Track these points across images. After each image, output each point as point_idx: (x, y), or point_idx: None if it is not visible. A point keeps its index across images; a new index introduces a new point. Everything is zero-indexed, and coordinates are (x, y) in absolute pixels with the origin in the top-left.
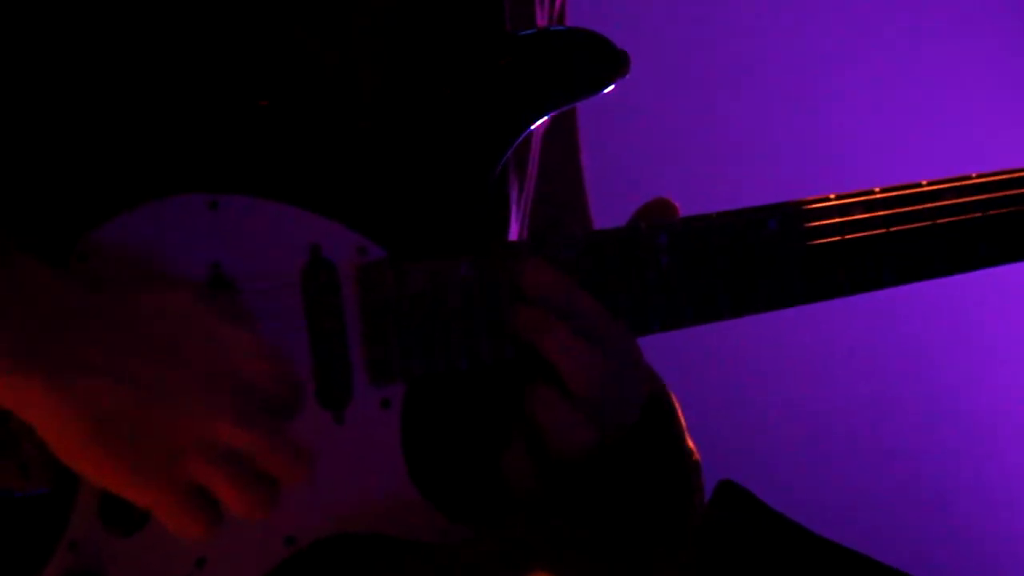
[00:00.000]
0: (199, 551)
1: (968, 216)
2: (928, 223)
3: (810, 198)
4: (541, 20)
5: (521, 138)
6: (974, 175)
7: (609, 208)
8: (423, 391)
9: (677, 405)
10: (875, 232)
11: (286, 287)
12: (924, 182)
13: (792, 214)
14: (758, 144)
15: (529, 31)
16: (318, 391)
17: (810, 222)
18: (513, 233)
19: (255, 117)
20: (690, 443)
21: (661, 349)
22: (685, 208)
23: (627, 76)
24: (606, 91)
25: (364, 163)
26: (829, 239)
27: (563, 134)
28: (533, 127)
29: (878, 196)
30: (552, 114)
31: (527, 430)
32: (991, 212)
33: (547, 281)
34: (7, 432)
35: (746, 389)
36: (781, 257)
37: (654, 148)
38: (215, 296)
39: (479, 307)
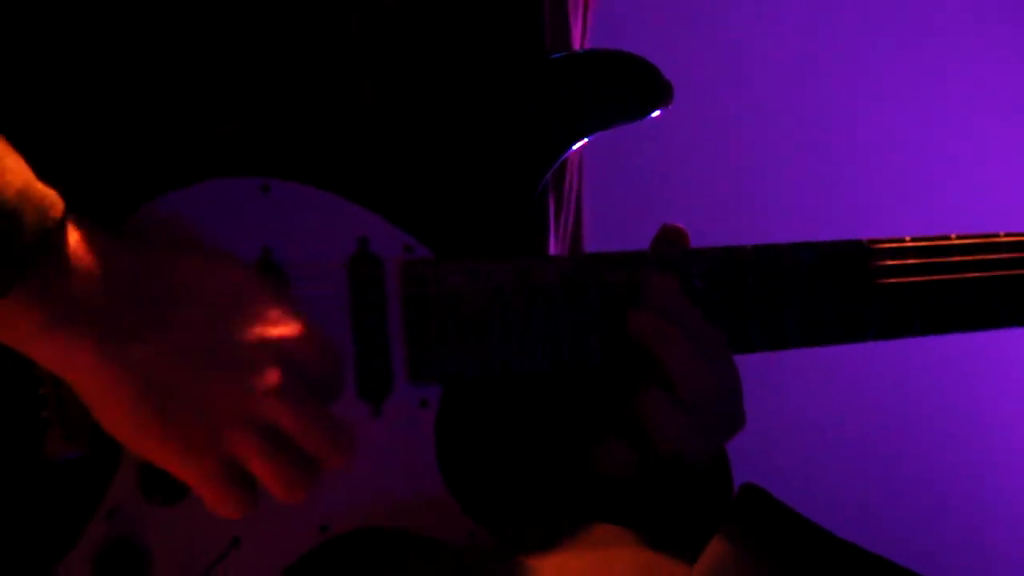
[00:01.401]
0: (235, 530)
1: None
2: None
3: (866, 239)
4: (575, 25)
5: (563, 157)
6: None
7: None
8: (460, 394)
9: None
10: (935, 278)
11: (332, 277)
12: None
13: (830, 252)
14: (759, 161)
15: (574, 52)
16: (358, 383)
17: (850, 262)
18: (552, 251)
19: (311, 106)
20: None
21: None
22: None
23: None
24: (649, 118)
25: (413, 164)
26: (870, 280)
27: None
28: (575, 147)
29: (954, 242)
30: (593, 136)
31: (631, 430)
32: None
33: (672, 293)
34: (55, 397)
35: (750, 394)
36: (812, 293)
37: (656, 166)
38: (265, 275)
39: (553, 312)
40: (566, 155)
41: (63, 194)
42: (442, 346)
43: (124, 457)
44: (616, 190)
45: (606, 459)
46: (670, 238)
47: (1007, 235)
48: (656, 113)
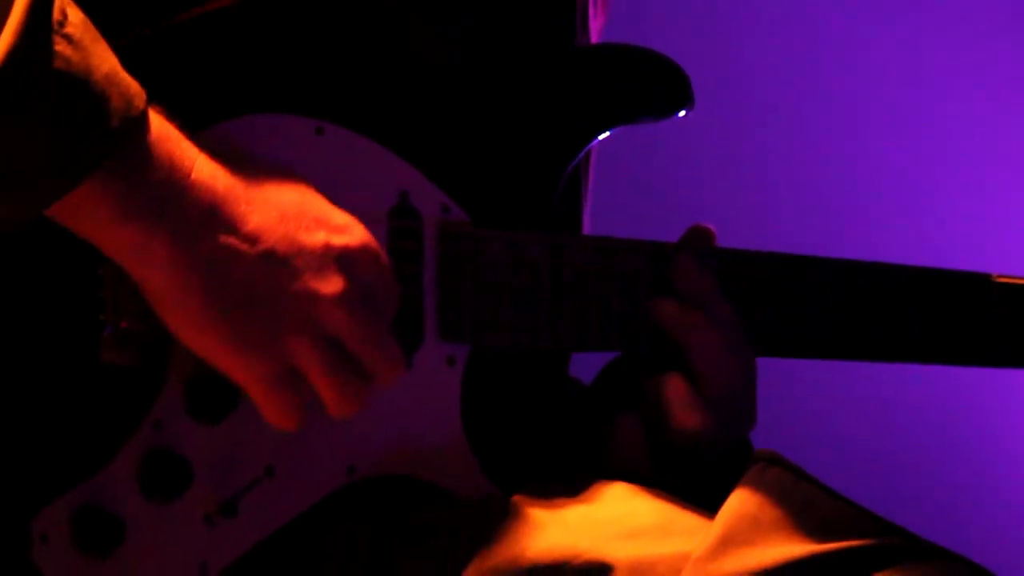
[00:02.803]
0: (271, 458)
1: None
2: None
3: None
4: (594, 20)
5: (589, 146)
6: None
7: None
8: (488, 359)
9: None
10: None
11: (373, 223)
12: None
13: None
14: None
15: (620, 44)
16: (393, 329)
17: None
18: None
19: (368, 58)
20: None
21: None
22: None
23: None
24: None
25: (455, 130)
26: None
27: None
28: (601, 137)
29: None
30: (616, 129)
31: (650, 413)
32: None
33: (702, 282)
34: (115, 301)
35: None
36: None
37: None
38: None
39: (581, 293)
40: (592, 144)
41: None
42: (470, 308)
43: (172, 372)
44: (619, 188)
45: (618, 439)
46: (699, 238)
47: None
48: (682, 114)
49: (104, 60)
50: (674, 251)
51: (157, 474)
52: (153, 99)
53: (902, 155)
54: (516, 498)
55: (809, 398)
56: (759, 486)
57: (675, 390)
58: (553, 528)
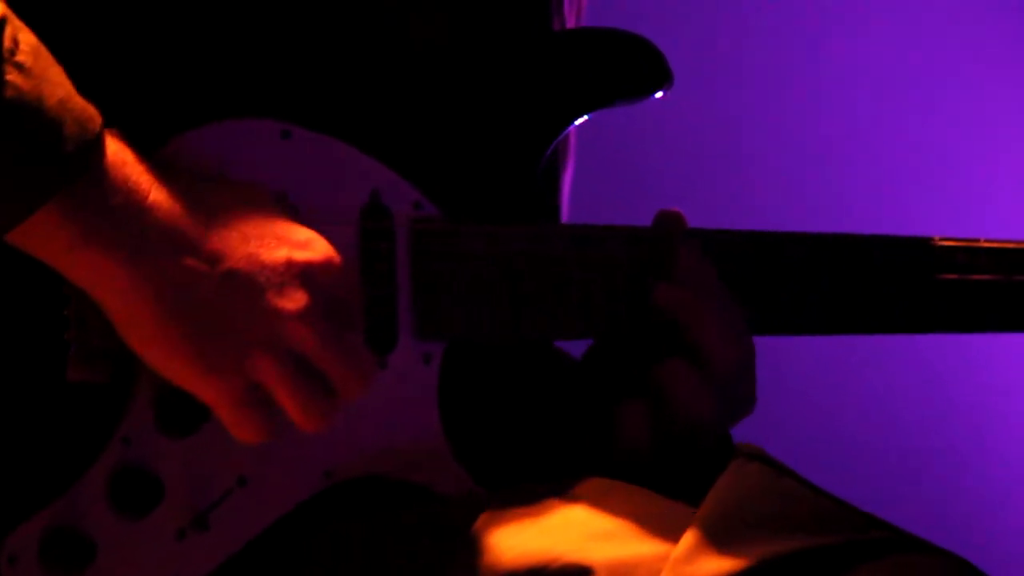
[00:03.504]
0: (243, 468)
1: None
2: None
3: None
4: (570, 18)
5: (566, 131)
6: None
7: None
8: (465, 354)
9: None
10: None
11: (344, 226)
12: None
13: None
14: (754, 146)
15: (594, 27)
16: (366, 333)
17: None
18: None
19: (334, 57)
20: None
21: None
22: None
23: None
24: (644, 101)
25: (425, 123)
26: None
27: None
28: (577, 122)
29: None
30: (593, 113)
31: (655, 399)
32: None
33: (703, 269)
34: (79, 320)
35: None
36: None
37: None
38: (288, 208)
39: (563, 282)
40: (569, 129)
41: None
42: (447, 305)
43: (140, 387)
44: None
45: (621, 427)
46: (667, 223)
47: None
48: (659, 95)
49: (57, 85)
50: (654, 235)
51: (127, 491)
52: (116, 110)
53: (884, 134)
54: (495, 499)
55: (794, 393)
56: (739, 482)
57: (679, 375)
58: (531, 531)
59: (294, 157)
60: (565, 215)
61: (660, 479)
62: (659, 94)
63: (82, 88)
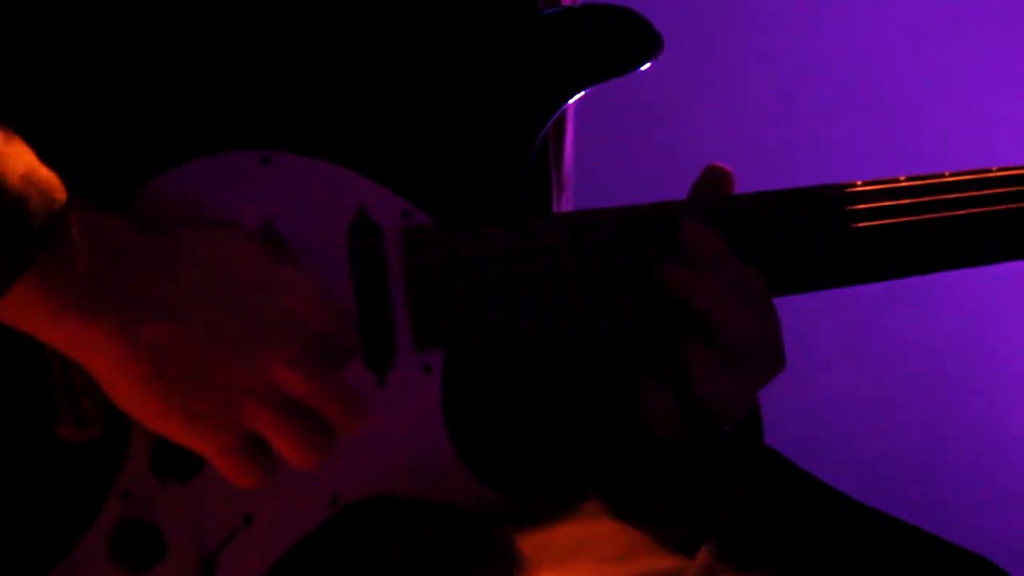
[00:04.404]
0: (247, 506)
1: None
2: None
3: (853, 182)
4: None
5: (556, 114)
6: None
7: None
8: (464, 357)
9: None
10: (921, 217)
11: (333, 245)
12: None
13: (831, 198)
14: (756, 135)
15: (562, 7)
16: (363, 352)
17: (850, 205)
18: (553, 207)
19: (305, 77)
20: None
21: None
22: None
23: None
24: (641, 70)
25: (408, 130)
26: (871, 223)
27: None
28: (569, 102)
29: (943, 181)
30: (588, 90)
31: (677, 381)
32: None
33: (708, 241)
34: (65, 383)
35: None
36: (814, 239)
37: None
38: (270, 244)
39: (561, 273)
40: (560, 110)
41: (65, 177)
42: (443, 312)
43: (135, 439)
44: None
45: (648, 410)
46: (715, 181)
47: (999, 169)
48: (646, 66)
49: (19, 160)
50: (653, 213)
51: (130, 547)
52: (91, 155)
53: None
54: (508, 528)
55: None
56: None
57: (699, 358)
58: (546, 562)
59: (276, 183)
60: (570, 186)
61: (689, 459)
62: (646, 65)
63: (51, 142)
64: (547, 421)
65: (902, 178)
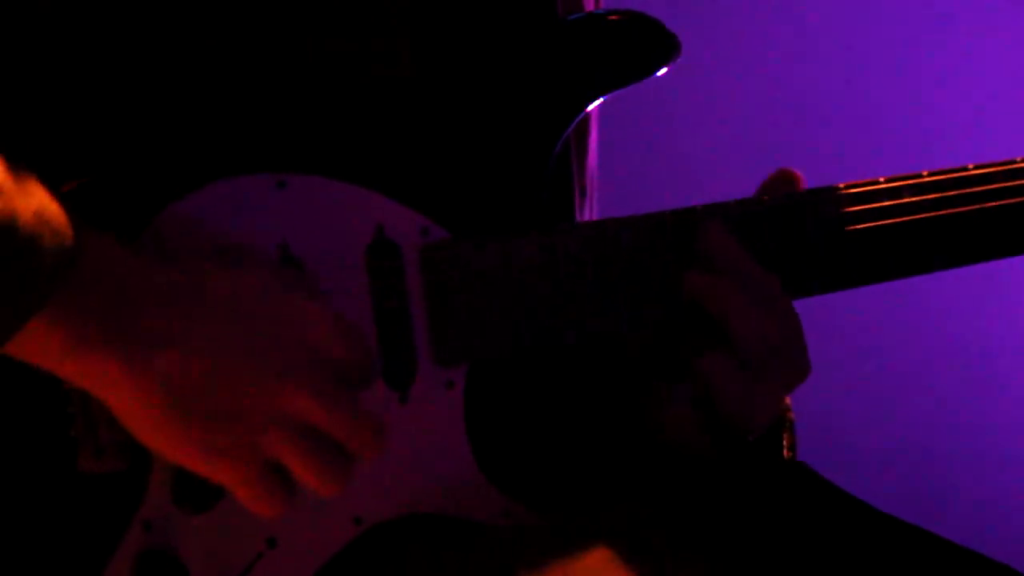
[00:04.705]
0: (270, 530)
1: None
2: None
3: (856, 182)
4: (589, 3)
5: (576, 120)
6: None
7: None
8: (486, 370)
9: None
10: (921, 216)
11: (351, 266)
12: (971, 166)
13: (831, 199)
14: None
15: (582, 15)
16: (384, 370)
17: (851, 206)
18: (575, 214)
19: (318, 96)
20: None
21: None
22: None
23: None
24: (659, 73)
25: (424, 144)
26: (872, 224)
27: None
28: (589, 109)
29: (926, 180)
30: (607, 97)
31: (697, 393)
32: None
33: (728, 247)
34: (84, 416)
35: None
36: (826, 241)
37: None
38: (286, 270)
39: (581, 283)
40: (579, 117)
41: (78, 206)
42: (465, 327)
43: (156, 468)
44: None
45: (672, 426)
46: (785, 181)
47: (976, 167)
48: (663, 71)
49: (31, 198)
50: (674, 220)
51: None
52: (107, 177)
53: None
54: (533, 528)
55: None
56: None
57: (722, 370)
58: None
59: (292, 206)
60: (595, 191)
61: (712, 466)
62: (663, 70)
63: (64, 171)
64: (570, 431)
65: (882, 179)
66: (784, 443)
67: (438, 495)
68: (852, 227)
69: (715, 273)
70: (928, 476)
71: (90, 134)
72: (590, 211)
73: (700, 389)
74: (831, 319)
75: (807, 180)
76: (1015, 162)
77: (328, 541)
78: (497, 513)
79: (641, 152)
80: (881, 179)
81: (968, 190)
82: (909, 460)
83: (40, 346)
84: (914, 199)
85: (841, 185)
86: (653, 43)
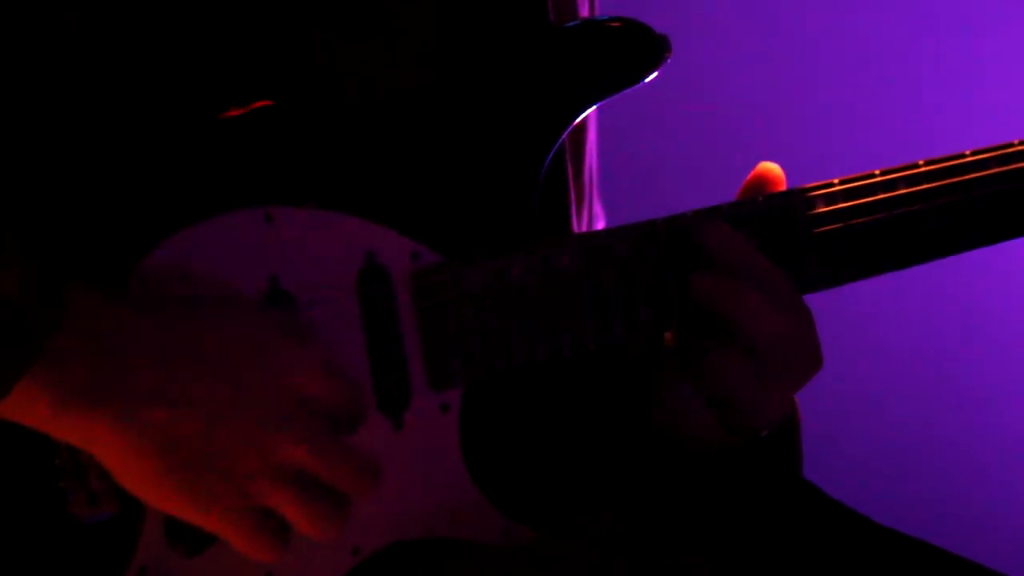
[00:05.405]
0: (267, 567)
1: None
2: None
3: (849, 176)
4: (583, 8)
5: (568, 130)
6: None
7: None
8: (481, 391)
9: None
10: (917, 208)
11: (342, 295)
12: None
13: (824, 195)
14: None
15: (573, 23)
16: (377, 398)
17: (814, 208)
18: (572, 220)
19: (302, 127)
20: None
21: None
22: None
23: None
24: (650, 78)
25: (413, 168)
26: (833, 226)
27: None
28: (581, 117)
29: (921, 171)
30: (599, 104)
31: (709, 391)
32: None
33: (733, 245)
34: (75, 464)
35: None
36: (821, 238)
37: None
38: (274, 312)
39: (575, 296)
40: (570, 127)
41: (61, 257)
42: (460, 350)
43: (150, 513)
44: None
45: (692, 426)
46: (768, 180)
47: (926, 162)
48: (652, 75)
49: (15, 266)
50: (667, 226)
51: None
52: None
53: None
54: (534, 548)
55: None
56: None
57: (734, 370)
58: None
59: (280, 239)
60: (594, 197)
61: (723, 466)
62: (653, 75)
63: (46, 221)
64: (570, 444)
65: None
66: (799, 442)
67: (438, 520)
68: (846, 222)
69: (724, 273)
70: (928, 476)
71: (63, 191)
72: (588, 214)
73: (712, 388)
74: (829, 318)
75: (803, 182)
76: (1012, 145)
77: (326, 572)
78: (498, 535)
79: (633, 156)
80: (876, 172)
81: (964, 177)
82: (909, 460)
83: (26, 407)
84: (910, 190)
85: (835, 180)
86: (644, 48)
